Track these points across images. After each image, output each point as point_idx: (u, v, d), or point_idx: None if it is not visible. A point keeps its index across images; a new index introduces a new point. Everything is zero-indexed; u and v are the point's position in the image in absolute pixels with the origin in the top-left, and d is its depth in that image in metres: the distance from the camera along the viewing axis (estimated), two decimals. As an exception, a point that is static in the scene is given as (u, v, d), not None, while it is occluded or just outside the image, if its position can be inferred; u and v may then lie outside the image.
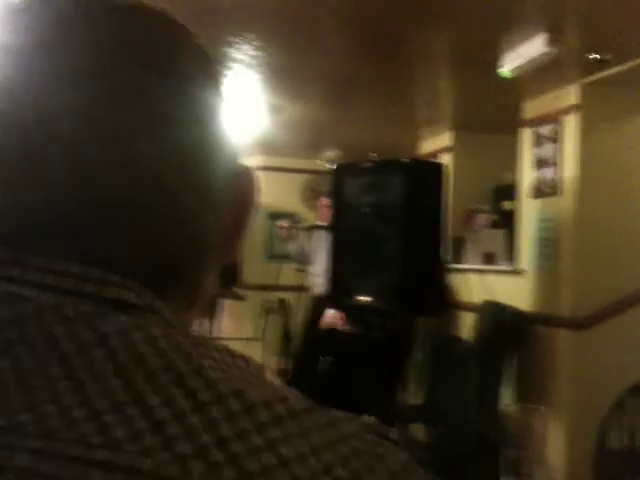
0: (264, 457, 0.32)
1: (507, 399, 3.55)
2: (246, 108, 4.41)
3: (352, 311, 3.92)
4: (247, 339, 5.47)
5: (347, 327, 4.12)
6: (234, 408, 0.33)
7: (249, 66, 3.56)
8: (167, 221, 0.39)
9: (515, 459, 1.30)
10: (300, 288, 5.10)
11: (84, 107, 0.38)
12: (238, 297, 6.02)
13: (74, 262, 0.37)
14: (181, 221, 0.40)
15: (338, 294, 3.72)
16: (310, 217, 5.41)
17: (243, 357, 0.39)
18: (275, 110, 4.51)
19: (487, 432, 3.37)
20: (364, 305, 3.54)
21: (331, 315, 4.19)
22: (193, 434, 0.32)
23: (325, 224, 4.39)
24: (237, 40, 3.18)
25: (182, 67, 0.41)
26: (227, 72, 3.62)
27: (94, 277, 0.37)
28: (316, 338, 4.43)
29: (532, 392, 3.61)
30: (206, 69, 0.43)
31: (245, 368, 0.38)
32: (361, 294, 3.54)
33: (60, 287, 0.36)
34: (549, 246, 3.67)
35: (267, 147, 5.99)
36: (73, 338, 0.34)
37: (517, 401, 3.52)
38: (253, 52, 3.34)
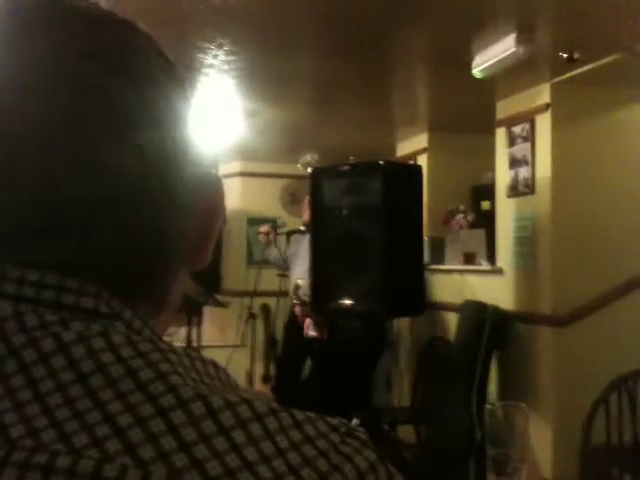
0: (228, 460, 0.32)
1: (490, 397, 3.57)
2: (222, 113, 4.39)
3: (332, 315, 3.92)
4: (232, 346, 5.44)
5: (320, 333, 4.12)
6: (197, 413, 0.33)
7: (223, 71, 3.56)
8: (131, 226, 0.39)
9: (499, 457, 1.30)
10: (281, 293, 5.09)
11: (46, 110, 0.38)
12: (221, 304, 6.00)
13: (33, 269, 0.37)
14: (146, 226, 0.40)
15: (320, 298, 3.72)
16: (290, 221, 5.41)
17: (211, 362, 0.38)
18: (251, 114, 4.50)
19: (473, 431, 3.38)
20: (346, 308, 3.54)
21: (307, 324, 4.19)
22: (155, 439, 0.32)
23: (305, 228, 4.38)
24: (210, 45, 3.17)
25: (144, 71, 0.41)
26: (201, 78, 3.61)
27: (52, 284, 0.37)
28: (298, 344, 4.42)
29: (514, 389, 3.63)
30: (169, 73, 0.43)
31: (211, 372, 0.38)
32: (343, 297, 3.54)
33: (19, 295, 0.36)
34: (527, 245, 3.70)
35: (245, 152, 5.98)
36: (33, 347, 0.34)
37: (500, 399, 3.54)
38: (227, 57, 3.33)
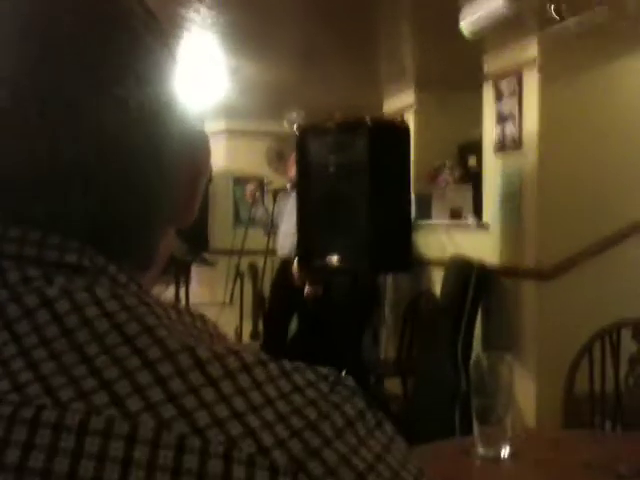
0: (216, 410, 0.32)
1: (475, 350, 3.63)
2: (205, 71, 4.33)
3: (320, 272, 3.94)
4: (220, 304, 5.47)
5: (313, 289, 4.15)
6: (184, 364, 0.33)
7: (206, 27, 3.49)
8: (115, 181, 0.38)
9: (484, 407, 1.33)
10: (269, 252, 5.10)
11: (19, 62, 0.37)
12: (208, 263, 6.01)
13: (15, 226, 0.36)
14: (130, 181, 0.39)
15: (307, 255, 3.73)
16: (276, 180, 5.39)
17: (193, 313, 0.38)
18: (235, 71, 4.44)
19: (459, 383, 3.45)
20: (333, 265, 3.56)
21: (300, 279, 4.21)
22: (143, 391, 0.32)
23: (292, 185, 4.37)
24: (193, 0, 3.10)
25: (124, 21, 0.40)
26: (184, 34, 3.54)
27: (34, 240, 0.36)
28: (285, 301, 4.45)
29: (499, 342, 3.69)
30: (151, 26, 0.42)
31: (195, 324, 0.38)
32: (330, 254, 3.55)
33: (1, 252, 0.35)
34: (513, 200, 3.71)
35: (229, 110, 5.91)
36: (17, 303, 0.34)
37: (485, 350, 3.60)
38: (210, 12, 3.26)
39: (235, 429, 0.31)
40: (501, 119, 3.84)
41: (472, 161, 4.47)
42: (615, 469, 1.26)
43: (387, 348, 4.73)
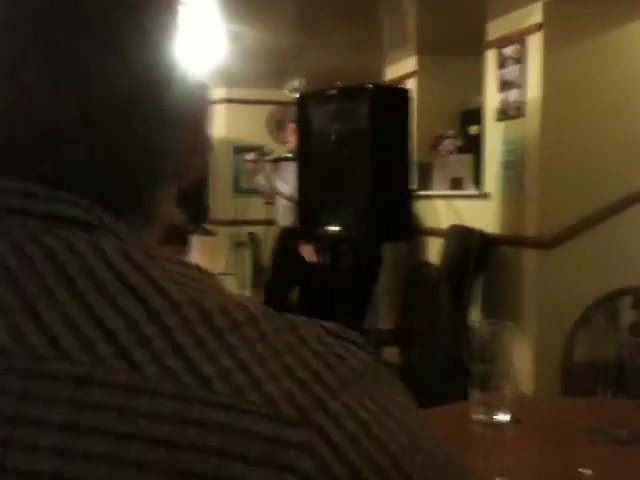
0: (222, 361, 0.32)
1: (476, 318, 3.64)
2: (204, 36, 4.26)
3: (321, 241, 3.93)
4: (220, 274, 5.48)
5: (316, 258, 4.15)
6: (189, 316, 0.33)
7: (205, -9, 3.42)
8: (118, 138, 0.38)
9: (483, 373, 1.33)
10: (269, 221, 5.08)
11: (19, 16, 0.36)
12: (208, 233, 6.01)
13: (22, 182, 0.36)
14: (134, 139, 0.39)
15: (307, 224, 3.72)
16: (277, 149, 5.34)
17: (200, 268, 0.38)
18: (235, 38, 4.37)
19: (458, 352, 3.46)
20: (333, 234, 3.55)
21: (307, 250, 4.20)
22: (147, 342, 0.31)
23: (292, 154, 4.33)
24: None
25: None
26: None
27: (42, 195, 0.36)
28: (287, 269, 4.45)
29: (499, 311, 3.70)
30: None
31: (202, 279, 0.37)
32: (330, 223, 3.54)
33: (7, 206, 0.35)
34: (514, 169, 3.68)
35: (229, 78, 5.84)
36: (18, 253, 0.33)
37: (484, 319, 3.61)
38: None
39: (241, 380, 0.31)
40: (504, 86, 3.79)
41: (473, 129, 4.43)
42: (616, 435, 1.26)
43: (386, 318, 4.75)
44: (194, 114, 0.44)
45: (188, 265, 0.37)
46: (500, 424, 1.29)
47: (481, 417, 1.29)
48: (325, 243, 3.91)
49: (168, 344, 0.32)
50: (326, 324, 0.36)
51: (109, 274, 0.33)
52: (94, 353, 0.31)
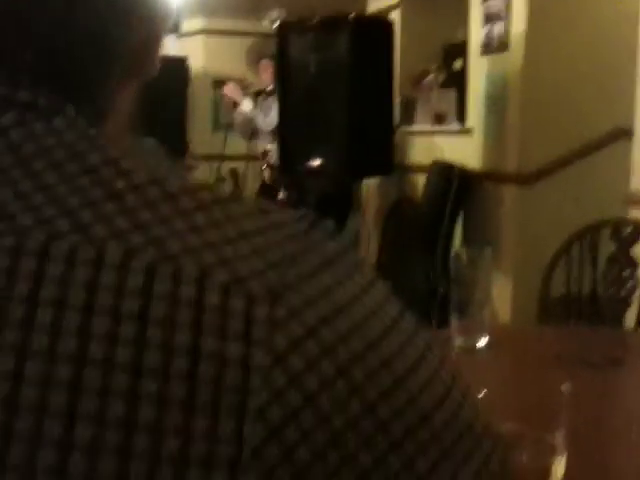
0: (188, 239, 0.30)
1: (456, 247, 3.66)
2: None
3: (300, 176, 3.90)
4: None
5: (284, 194, 4.13)
6: (152, 196, 0.31)
7: None
8: (65, 21, 0.35)
9: (462, 299, 1.34)
10: (250, 157, 5.02)
11: None
12: (188, 167, 5.94)
13: None
14: (82, 23, 0.36)
15: (288, 159, 3.68)
16: (257, 82, 5.24)
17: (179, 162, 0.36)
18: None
19: (437, 284, 3.50)
20: (311, 168, 3.52)
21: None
22: (108, 219, 0.30)
23: (270, 88, 4.25)
24: None
25: None
26: None
27: None
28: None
29: (479, 245, 3.72)
30: None
31: (167, 163, 0.36)
32: (311, 157, 3.50)
33: None
34: (497, 103, 3.65)
35: (207, 7, 5.67)
36: None
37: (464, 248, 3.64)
38: None
39: (209, 258, 0.30)
40: (488, 19, 3.71)
41: (457, 64, 4.36)
42: (588, 359, 1.28)
43: (367, 253, 4.77)
44: (152, 7, 0.41)
45: (153, 150, 0.36)
46: (476, 348, 1.30)
47: (458, 341, 1.31)
48: (304, 178, 3.88)
49: (129, 222, 0.30)
50: (298, 211, 0.35)
51: (67, 154, 0.32)
52: (52, 228, 0.30)
